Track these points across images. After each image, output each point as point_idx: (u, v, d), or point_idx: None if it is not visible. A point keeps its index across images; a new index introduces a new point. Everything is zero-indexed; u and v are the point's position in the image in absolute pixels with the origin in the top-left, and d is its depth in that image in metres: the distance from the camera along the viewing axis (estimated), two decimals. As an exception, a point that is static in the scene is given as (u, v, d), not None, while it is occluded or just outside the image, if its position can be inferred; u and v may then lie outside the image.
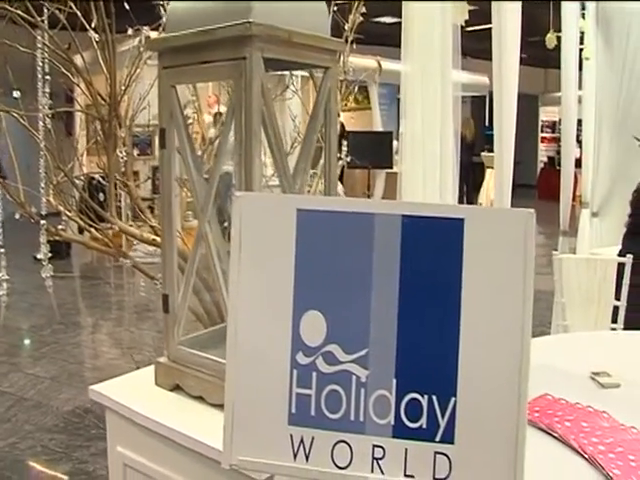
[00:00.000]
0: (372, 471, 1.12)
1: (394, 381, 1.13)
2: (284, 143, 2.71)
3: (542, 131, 20.02)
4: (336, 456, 1.14)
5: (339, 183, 7.97)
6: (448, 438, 1.10)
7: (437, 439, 1.11)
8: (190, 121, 3.11)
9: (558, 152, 9.24)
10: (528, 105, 19.28)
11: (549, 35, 5.13)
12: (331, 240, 1.14)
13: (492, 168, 14.66)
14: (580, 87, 6.19)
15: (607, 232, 5.77)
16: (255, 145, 1.59)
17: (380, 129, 13.06)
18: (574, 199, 6.32)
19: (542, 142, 20.01)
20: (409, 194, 2.99)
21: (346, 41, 3.20)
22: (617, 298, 3.68)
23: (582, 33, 6.03)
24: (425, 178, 2.53)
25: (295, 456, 1.15)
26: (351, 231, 1.13)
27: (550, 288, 4.05)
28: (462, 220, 1.09)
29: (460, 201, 13.70)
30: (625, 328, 3.58)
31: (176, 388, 2.02)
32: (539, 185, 18.31)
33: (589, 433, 1.97)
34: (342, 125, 13.18)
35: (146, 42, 2.67)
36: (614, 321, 3.66)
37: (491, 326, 1.08)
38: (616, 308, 3.69)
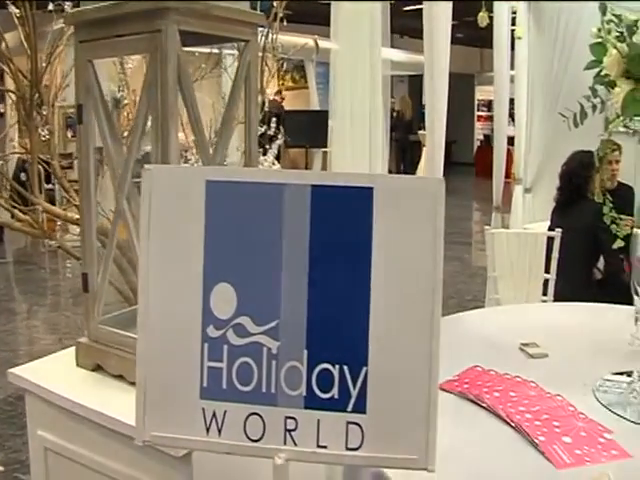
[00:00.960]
0: (285, 443, 1.11)
1: (305, 352, 1.12)
2: (213, 121, 2.67)
3: (478, 110, 20.23)
4: (249, 429, 1.13)
5: (276, 162, 7.92)
6: (360, 407, 1.10)
7: (349, 409, 1.11)
8: (126, 101, 3.04)
9: (494, 130, 9.42)
10: (464, 84, 19.46)
11: (481, 14, 5.16)
12: (241, 211, 1.13)
13: (430, 147, 14.84)
14: (513, 66, 6.25)
15: (539, 207, 5.87)
16: (171, 121, 1.56)
17: (317, 108, 13.03)
18: (509, 176, 6.41)
19: (478, 121, 20.23)
20: (338, 173, 2.97)
21: (275, 17, 3.16)
22: (547, 271, 3.76)
23: (514, 13, 6.08)
24: (354, 157, 2.53)
25: (208, 430, 1.13)
26: (261, 202, 1.12)
27: (486, 264, 4.11)
28: (371, 189, 1.08)
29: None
30: (555, 300, 3.65)
31: (97, 368, 1.98)
32: (476, 163, 18.48)
33: (517, 402, 2.01)
34: (277, 102, 13.09)
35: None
36: (544, 293, 3.74)
37: (401, 294, 1.08)
38: (546, 281, 3.76)
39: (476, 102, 20.06)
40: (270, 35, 3.08)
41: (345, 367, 1.11)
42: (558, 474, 1.65)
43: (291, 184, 1.10)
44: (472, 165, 17.96)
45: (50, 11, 2.81)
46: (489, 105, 19.05)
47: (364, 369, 1.10)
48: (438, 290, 1.07)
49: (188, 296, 1.14)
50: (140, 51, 1.90)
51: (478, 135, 19.68)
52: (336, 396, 1.11)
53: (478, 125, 19.95)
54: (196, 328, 1.14)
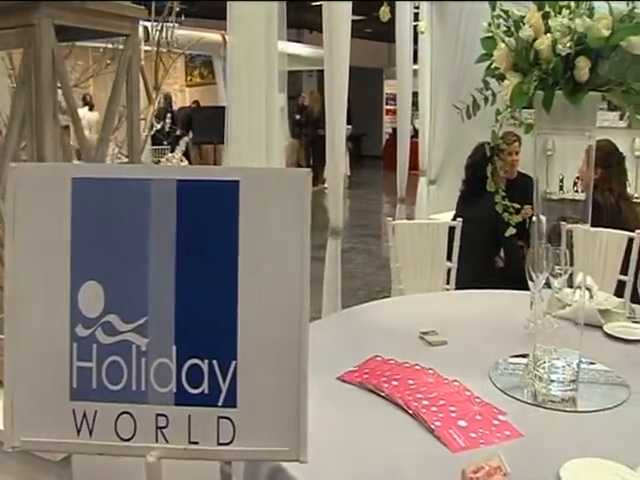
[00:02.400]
0: (156, 440, 1.10)
1: (174, 348, 1.11)
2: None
3: (387, 103, 20.41)
4: (120, 428, 1.11)
5: (184, 159, 7.82)
6: (230, 402, 1.10)
7: (219, 403, 1.11)
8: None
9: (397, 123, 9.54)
10: (373, 78, 19.65)
11: (382, 8, 5.18)
12: (108, 208, 1.11)
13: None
14: (417, 60, 6.34)
15: (444, 198, 5.99)
16: (46, 117, 1.52)
17: (225, 104, 12.89)
18: (417, 168, 6.50)
19: (387, 114, 20.37)
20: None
21: (170, 12, 3.11)
22: (449, 260, 3.83)
23: (417, 7, 6.16)
24: (251, 152, 2.51)
25: (79, 432, 1.11)
26: (128, 198, 1.10)
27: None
28: (237, 182, 1.08)
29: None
30: (457, 288, 3.73)
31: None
32: (384, 156, 18.59)
33: (415, 390, 2.05)
34: (167, 98, 12.89)
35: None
36: (447, 282, 3.81)
37: (270, 287, 1.08)
38: (449, 269, 3.83)
39: (384, 96, 20.27)
40: (165, 30, 3.04)
41: (215, 362, 1.11)
42: (453, 457, 1.69)
43: (157, 179, 1.08)
44: (381, 158, 18.16)
45: None
46: (396, 98, 19.24)
47: (233, 363, 1.10)
48: (306, 282, 1.07)
49: (56, 295, 1.11)
50: (13, 46, 1.83)
51: (387, 128, 19.87)
52: (206, 391, 1.11)
53: (387, 118, 20.12)
54: (65, 328, 1.11)
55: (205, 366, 1.11)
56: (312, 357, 2.26)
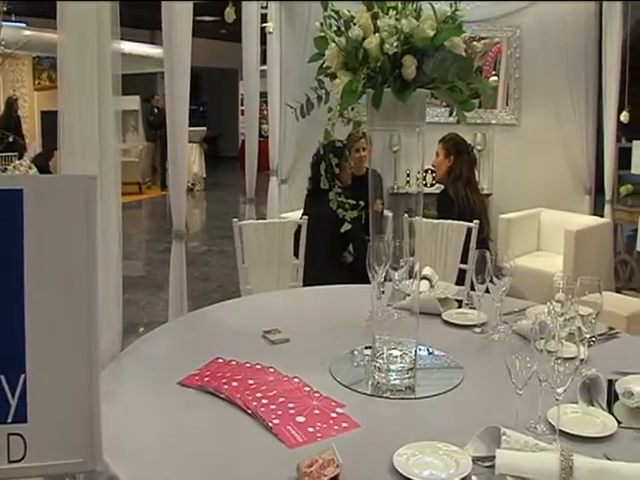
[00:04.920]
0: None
1: (-43, 364, 1.05)
2: None
3: (242, 104, 20.44)
4: None
5: (32, 166, 7.50)
6: (21, 417, 1.06)
7: (9, 420, 1.06)
8: None
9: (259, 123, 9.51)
10: (230, 80, 19.57)
11: (227, 9, 5.13)
12: None
13: (195, 142, 14.72)
14: (265, 61, 6.32)
15: (295, 197, 6.03)
16: None
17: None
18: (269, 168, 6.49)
19: (242, 115, 20.43)
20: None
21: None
22: (296, 256, 3.86)
23: (265, 7, 6.12)
24: (84, 160, 2.42)
25: None
26: None
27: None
28: (21, 191, 1.03)
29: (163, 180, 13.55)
30: (305, 285, 3.76)
31: None
32: (240, 157, 18.64)
33: (254, 389, 2.05)
34: (9, 104, 12.35)
35: None
36: (295, 279, 3.84)
37: (57, 296, 1.04)
38: (295, 266, 3.86)
39: (240, 97, 20.24)
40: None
41: (2, 377, 1.05)
42: (291, 453, 1.71)
43: None
44: (236, 159, 18.12)
45: None
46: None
47: (22, 377, 1.05)
48: (93, 295, 1.03)
49: None
50: None
51: (242, 129, 19.85)
52: (-6, 408, 1.05)
53: (242, 119, 20.13)
54: None
55: (-8, 382, 1.05)
56: (153, 363, 2.25)
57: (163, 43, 3.46)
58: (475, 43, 2.14)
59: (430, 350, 2.39)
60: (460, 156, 4.84)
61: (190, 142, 15.17)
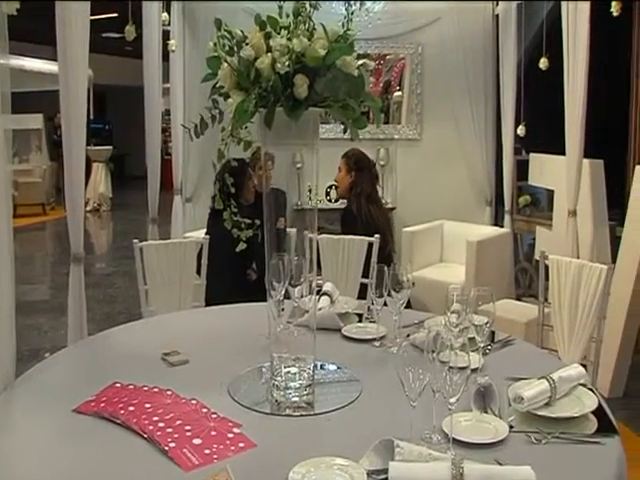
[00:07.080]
0: None
1: None
2: None
3: (149, 122, 20.12)
4: None
5: None
6: None
7: None
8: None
9: (165, 142, 9.38)
10: (135, 97, 19.27)
11: (127, 27, 5.07)
12: None
13: (101, 162, 14.44)
14: (168, 79, 6.25)
15: (200, 216, 5.97)
16: None
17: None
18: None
19: (148, 133, 20.14)
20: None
21: None
22: (199, 275, 3.84)
23: (168, 24, 6.02)
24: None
25: None
26: None
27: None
28: None
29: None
30: (208, 304, 3.73)
31: None
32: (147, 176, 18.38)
33: (151, 413, 2.01)
34: None
35: None
36: (196, 299, 3.80)
37: None
38: (197, 286, 3.83)
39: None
40: None
41: None
42: (187, 476, 1.69)
43: None
44: (144, 178, 17.85)
45: None
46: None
47: None
48: None
49: None
50: None
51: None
52: None
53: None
54: None
55: None
56: (47, 390, 2.18)
57: (58, 58, 3.37)
58: (366, 61, 2.16)
59: (328, 365, 2.41)
60: (362, 172, 4.91)
61: (95, 162, 14.90)
